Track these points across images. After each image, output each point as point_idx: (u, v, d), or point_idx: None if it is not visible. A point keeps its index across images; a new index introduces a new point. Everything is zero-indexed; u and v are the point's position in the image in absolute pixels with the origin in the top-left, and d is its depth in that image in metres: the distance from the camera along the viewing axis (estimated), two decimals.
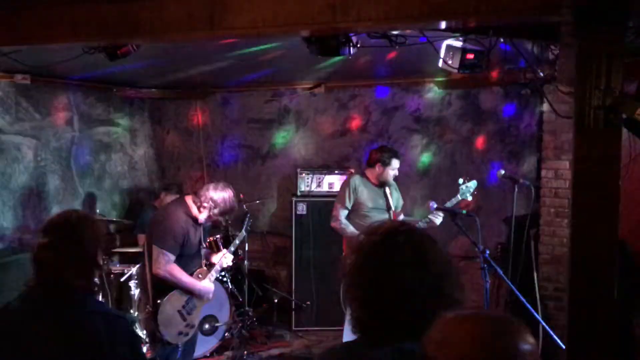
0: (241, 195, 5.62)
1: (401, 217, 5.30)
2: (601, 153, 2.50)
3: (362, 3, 2.75)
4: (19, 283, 5.08)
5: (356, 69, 5.50)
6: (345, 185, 5.23)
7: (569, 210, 2.74)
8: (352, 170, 6.17)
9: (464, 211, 4.53)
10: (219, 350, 5.44)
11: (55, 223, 2.19)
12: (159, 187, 6.99)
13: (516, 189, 4.95)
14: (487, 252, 4.03)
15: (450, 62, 3.53)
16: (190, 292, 4.16)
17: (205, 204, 4.10)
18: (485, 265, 4.01)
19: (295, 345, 5.98)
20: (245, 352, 5.44)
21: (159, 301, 4.03)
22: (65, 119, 6.18)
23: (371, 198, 5.10)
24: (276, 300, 6.20)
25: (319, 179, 6.41)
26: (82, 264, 2.11)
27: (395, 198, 5.22)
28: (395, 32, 3.25)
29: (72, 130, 6.28)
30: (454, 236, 5.44)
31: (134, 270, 5.44)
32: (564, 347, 3.12)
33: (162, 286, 4.05)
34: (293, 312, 6.33)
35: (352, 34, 3.20)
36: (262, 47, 4.31)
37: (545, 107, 5.55)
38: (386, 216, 5.09)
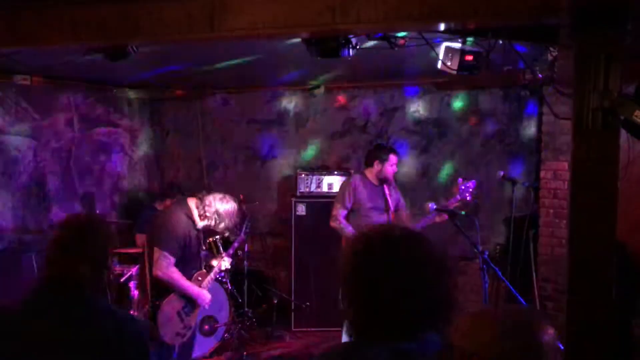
0: (241, 196, 5.63)
1: (407, 212, 5.30)
2: (600, 154, 2.51)
3: (362, 4, 2.75)
4: (18, 283, 5.10)
5: (356, 69, 5.51)
6: (344, 185, 5.24)
7: (567, 211, 2.74)
8: (352, 171, 6.18)
9: (463, 212, 4.55)
10: (218, 351, 5.45)
11: (67, 224, 2.21)
12: (160, 193, 6.93)
13: (515, 190, 4.97)
14: (486, 252, 4.04)
15: (449, 63, 3.54)
16: (186, 296, 4.17)
17: (208, 214, 4.08)
18: (485, 266, 4.02)
19: (295, 346, 5.98)
20: (245, 353, 5.45)
21: (157, 302, 4.04)
22: (65, 120, 6.19)
23: (370, 198, 5.11)
24: (275, 301, 6.20)
25: (319, 179, 6.42)
26: (92, 265, 2.12)
27: (394, 198, 5.23)
28: (397, 34, 3.26)
29: (72, 130, 6.29)
30: (453, 237, 5.43)
31: (133, 271, 5.45)
32: (562, 347, 3.13)
33: (161, 287, 4.06)
34: (292, 313, 6.33)
35: (351, 36, 3.21)
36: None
37: (544, 108, 5.57)
38: (385, 216, 5.10)
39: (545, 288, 5.56)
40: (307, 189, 6.40)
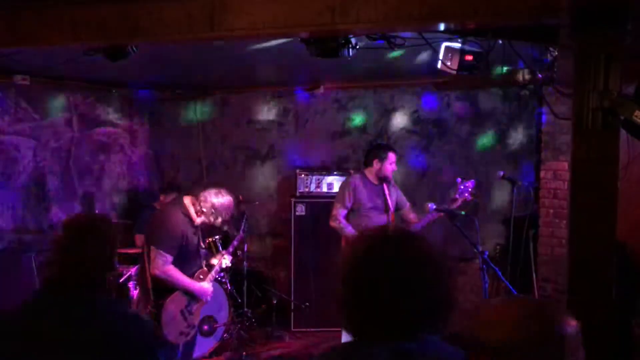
0: (240, 197, 5.63)
1: (407, 207, 5.31)
2: (599, 154, 2.51)
3: (362, 5, 2.76)
4: (18, 283, 5.09)
5: (356, 70, 5.51)
6: (344, 185, 5.24)
7: (567, 211, 2.74)
8: (352, 171, 6.18)
9: (463, 212, 4.55)
10: (217, 351, 5.44)
11: (71, 224, 2.21)
12: (159, 189, 6.99)
13: (515, 190, 4.97)
14: (486, 252, 4.04)
15: (449, 63, 3.54)
16: (188, 293, 4.17)
17: (204, 210, 4.09)
18: (484, 266, 4.02)
19: (294, 346, 5.98)
20: (244, 353, 5.44)
21: (161, 301, 4.04)
22: (64, 120, 6.19)
23: (370, 198, 5.12)
24: (275, 301, 6.20)
25: (318, 179, 6.41)
26: (96, 265, 2.13)
27: (394, 198, 5.23)
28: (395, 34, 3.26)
29: (72, 131, 6.29)
30: (453, 237, 5.43)
31: (132, 271, 5.45)
32: None
33: (162, 287, 4.06)
34: (292, 313, 6.33)
35: (351, 36, 3.21)
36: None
37: (544, 108, 5.57)
38: (385, 216, 5.10)
39: (545, 288, 5.56)
40: (307, 189, 6.39)
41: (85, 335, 1.99)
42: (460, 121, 6.41)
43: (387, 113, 6.69)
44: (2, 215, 5.48)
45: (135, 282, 5.48)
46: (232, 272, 5.96)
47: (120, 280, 5.41)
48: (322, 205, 5.98)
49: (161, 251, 3.99)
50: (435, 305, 1.48)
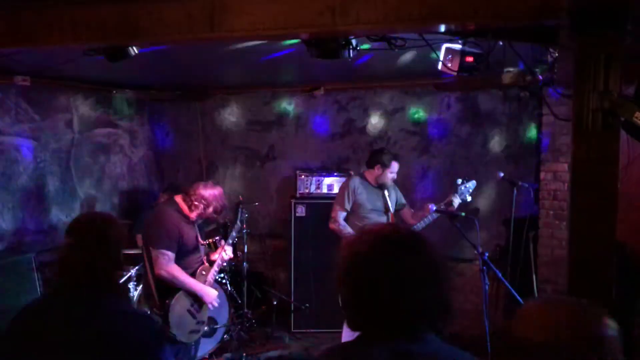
0: (240, 198, 5.63)
1: (406, 210, 5.31)
2: (599, 155, 2.51)
3: (362, 6, 2.76)
4: (18, 284, 5.09)
5: (356, 71, 5.51)
6: (344, 186, 5.24)
7: (567, 212, 2.74)
8: (352, 172, 6.18)
9: (463, 213, 4.55)
10: (217, 352, 5.44)
11: (80, 224, 2.22)
12: (161, 189, 6.99)
13: (515, 191, 4.97)
14: (487, 254, 4.04)
15: (449, 64, 3.54)
16: (192, 293, 4.17)
17: (196, 203, 4.15)
18: (485, 267, 4.02)
19: (294, 347, 5.98)
20: (244, 354, 5.44)
21: (167, 301, 4.04)
22: (64, 121, 6.19)
23: (370, 200, 5.11)
24: (275, 302, 6.20)
25: (318, 180, 6.41)
26: (105, 265, 2.14)
27: (393, 199, 5.23)
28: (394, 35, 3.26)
29: (72, 131, 6.29)
30: (453, 238, 5.44)
31: (133, 271, 5.45)
32: None
33: (166, 287, 4.06)
34: (292, 314, 6.33)
35: (351, 37, 3.21)
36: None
37: (544, 109, 5.57)
38: (385, 218, 5.10)
39: (545, 289, 5.55)
40: (307, 190, 6.39)
41: (93, 335, 2.00)
42: (460, 122, 6.42)
43: (387, 114, 6.69)
44: (2, 215, 5.47)
45: (135, 283, 5.48)
46: (232, 273, 5.97)
47: (121, 281, 5.40)
48: (322, 206, 5.98)
49: (161, 250, 4.00)
50: (435, 305, 1.48)
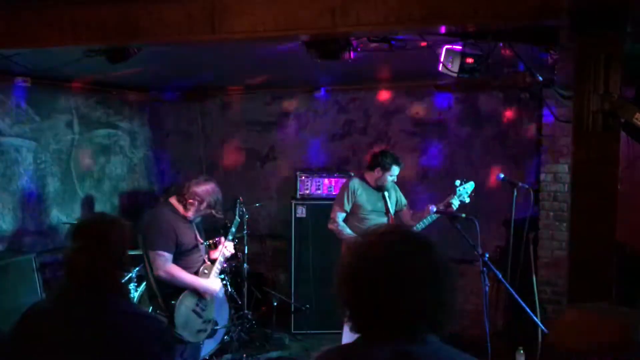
0: (240, 199, 5.63)
1: (406, 212, 5.31)
2: (600, 156, 2.51)
3: (362, 7, 2.76)
4: (18, 285, 5.09)
5: (356, 72, 5.51)
6: (344, 188, 5.23)
7: (567, 213, 2.75)
8: (352, 173, 6.18)
9: (464, 214, 4.54)
10: (217, 354, 5.44)
11: (86, 226, 2.23)
12: (159, 191, 7.00)
13: (515, 193, 4.96)
14: (487, 255, 4.04)
15: (449, 66, 3.54)
16: (195, 291, 4.17)
17: (190, 200, 4.15)
18: (485, 269, 4.02)
19: (294, 349, 5.98)
20: (245, 355, 5.44)
21: (172, 302, 4.04)
22: (65, 122, 6.19)
23: (370, 201, 5.11)
24: (275, 303, 6.20)
25: (319, 181, 6.42)
26: (112, 266, 2.14)
27: (393, 200, 5.23)
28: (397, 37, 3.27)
29: (72, 132, 6.29)
30: (453, 239, 5.43)
31: (133, 272, 5.45)
32: None
33: (170, 288, 4.06)
34: (292, 315, 6.32)
35: (352, 38, 3.21)
36: None
37: (544, 110, 5.57)
38: (385, 219, 5.10)
39: (545, 291, 5.55)
40: (307, 191, 6.39)
41: (96, 335, 2.00)
42: (461, 123, 6.42)
43: (387, 114, 6.69)
44: (2, 216, 5.47)
45: (135, 284, 5.48)
46: (232, 274, 5.96)
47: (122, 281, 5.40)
48: (323, 207, 5.98)
49: (158, 251, 4.00)
50: (435, 306, 1.47)
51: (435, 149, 6.52)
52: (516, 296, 3.82)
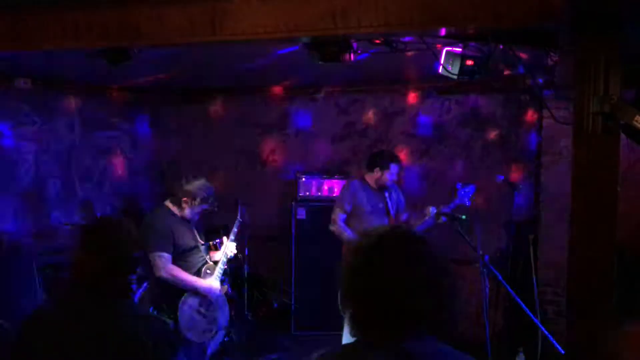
0: (240, 200, 5.63)
1: (404, 216, 5.32)
2: (600, 159, 2.51)
3: (363, 10, 2.76)
4: (18, 287, 5.08)
5: (357, 74, 5.53)
6: (344, 189, 5.24)
7: (567, 215, 2.75)
8: (352, 175, 6.19)
9: (464, 216, 4.56)
10: (218, 355, 5.44)
11: (95, 228, 2.24)
12: (160, 193, 6.99)
13: (515, 194, 4.97)
14: (487, 256, 4.05)
15: (449, 68, 3.55)
16: (197, 292, 4.18)
17: (184, 198, 4.18)
18: (485, 270, 4.03)
19: (295, 350, 5.98)
20: (245, 357, 5.44)
21: (176, 303, 4.04)
22: (66, 123, 6.19)
23: (370, 202, 5.12)
24: (275, 305, 6.21)
25: (319, 183, 6.42)
26: (119, 270, 2.15)
27: (394, 201, 5.23)
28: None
29: (73, 134, 6.29)
30: (454, 241, 5.45)
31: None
32: (563, 352, 3.13)
33: (172, 290, 4.06)
34: (292, 317, 6.33)
35: (352, 40, 3.22)
36: None
37: (545, 112, 5.58)
38: (386, 221, 5.10)
39: (545, 292, 5.56)
40: (308, 193, 6.40)
41: (104, 338, 2.01)
42: (461, 125, 6.42)
43: (387, 117, 6.70)
44: (3, 218, 5.48)
45: (135, 285, 5.47)
46: (232, 275, 5.96)
47: None
48: (323, 209, 5.99)
49: (157, 253, 4.02)
50: (435, 307, 1.48)
51: (436, 150, 6.53)
52: (516, 297, 3.83)
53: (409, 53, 3.63)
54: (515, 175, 5.98)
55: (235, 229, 4.93)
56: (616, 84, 2.47)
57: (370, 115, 6.77)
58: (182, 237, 4.17)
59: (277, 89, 6.91)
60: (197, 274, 4.23)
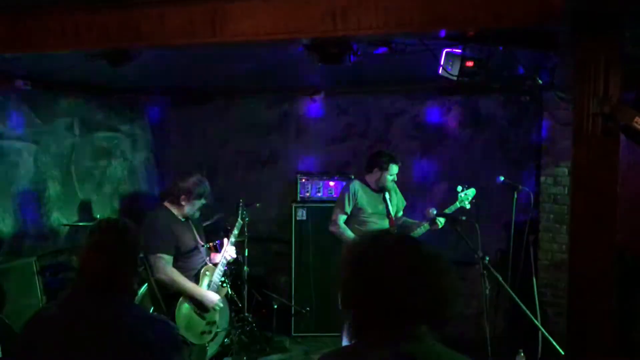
0: (242, 201, 5.63)
1: (403, 219, 5.31)
2: (600, 160, 2.52)
3: (363, 11, 2.77)
4: (18, 288, 5.08)
5: (357, 75, 5.52)
6: (344, 190, 5.25)
7: (567, 216, 2.75)
8: (352, 176, 6.19)
9: (464, 217, 4.55)
10: (218, 356, 5.44)
11: (99, 230, 2.24)
12: (162, 194, 7.00)
13: (515, 195, 4.97)
14: (487, 258, 4.05)
15: (449, 69, 3.55)
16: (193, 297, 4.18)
17: (182, 196, 4.22)
18: (485, 272, 4.03)
19: (295, 351, 5.98)
20: (245, 358, 5.44)
21: (174, 303, 4.05)
22: (65, 124, 6.19)
23: (370, 203, 5.12)
24: (275, 306, 6.20)
25: (319, 184, 6.43)
26: (125, 270, 2.16)
27: (395, 202, 5.23)
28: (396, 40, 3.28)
29: (73, 135, 6.29)
30: (454, 242, 5.45)
31: None
32: (563, 353, 3.12)
33: (170, 290, 4.07)
34: (292, 318, 6.33)
35: (352, 42, 3.22)
36: None
37: (545, 114, 5.58)
38: (386, 222, 5.10)
39: (546, 293, 5.56)
40: (308, 194, 6.41)
41: (110, 338, 2.01)
42: (461, 126, 6.43)
43: (387, 118, 6.70)
44: (2, 219, 5.48)
45: (137, 286, 5.48)
46: (232, 276, 5.96)
47: None
48: (323, 210, 6.00)
49: (157, 254, 4.02)
50: (435, 309, 1.48)
51: (436, 152, 6.53)
52: (516, 299, 3.83)
53: (409, 54, 3.63)
54: (516, 176, 5.98)
55: (236, 231, 4.94)
56: (616, 85, 2.48)
57: (370, 116, 6.77)
58: (183, 238, 4.18)
59: (278, 90, 6.91)
60: (197, 275, 4.23)
